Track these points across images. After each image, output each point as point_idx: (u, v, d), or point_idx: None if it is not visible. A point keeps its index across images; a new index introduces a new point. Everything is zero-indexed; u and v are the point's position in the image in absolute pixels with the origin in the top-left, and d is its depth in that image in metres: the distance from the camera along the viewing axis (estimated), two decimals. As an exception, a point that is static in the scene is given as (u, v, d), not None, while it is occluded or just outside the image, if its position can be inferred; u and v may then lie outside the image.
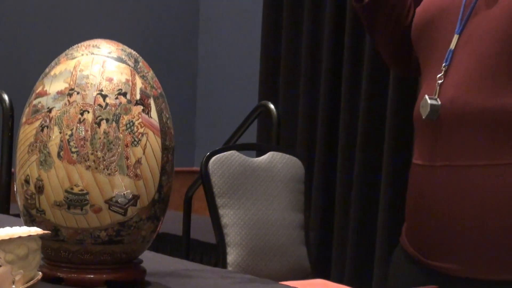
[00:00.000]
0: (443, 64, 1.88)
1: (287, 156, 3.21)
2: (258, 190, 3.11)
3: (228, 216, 3.09)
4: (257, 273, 2.79)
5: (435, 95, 1.87)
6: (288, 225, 3.13)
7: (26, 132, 1.85)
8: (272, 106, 4.52)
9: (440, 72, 1.88)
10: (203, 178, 3.12)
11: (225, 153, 3.18)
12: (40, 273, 1.60)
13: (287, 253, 3.15)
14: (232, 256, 3.00)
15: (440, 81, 1.88)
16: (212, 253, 4.21)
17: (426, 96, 1.87)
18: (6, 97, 4.02)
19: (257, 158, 3.26)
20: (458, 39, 1.88)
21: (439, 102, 1.85)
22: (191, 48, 6.15)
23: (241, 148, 3.31)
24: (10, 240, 1.52)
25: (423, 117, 1.88)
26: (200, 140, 5.95)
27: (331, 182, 5.08)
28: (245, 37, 5.81)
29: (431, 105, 1.86)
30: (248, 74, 5.52)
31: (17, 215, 2.66)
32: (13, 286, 1.53)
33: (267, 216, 3.05)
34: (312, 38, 5.16)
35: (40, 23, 5.47)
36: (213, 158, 3.15)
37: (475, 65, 1.84)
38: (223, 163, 3.15)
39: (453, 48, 1.88)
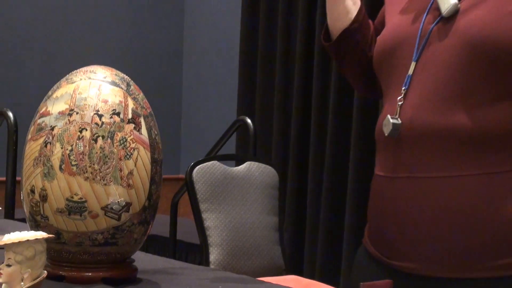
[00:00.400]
0: (403, 88, 1.86)
1: (263, 165, 3.21)
2: (237, 196, 3.09)
3: (210, 219, 3.09)
4: (236, 270, 2.80)
5: (396, 115, 1.85)
6: (264, 227, 3.12)
7: (32, 148, 1.86)
8: (249, 120, 4.52)
9: (400, 95, 1.87)
10: (188, 185, 3.12)
11: (207, 163, 3.18)
12: (45, 272, 1.61)
13: (263, 252, 3.13)
14: (214, 255, 2.98)
15: (400, 103, 1.86)
16: (196, 253, 4.15)
17: (388, 116, 1.86)
18: (11, 114, 4.02)
19: (236, 167, 3.26)
20: (415, 66, 1.86)
21: (400, 121, 1.85)
22: (176, 69, 6.13)
23: (222, 158, 3.31)
24: (20, 243, 1.53)
25: (386, 134, 1.88)
26: (185, 151, 5.94)
27: (302, 189, 5.07)
28: (225, 59, 5.77)
29: (393, 123, 1.85)
30: (228, 92, 5.49)
31: (22, 220, 2.67)
32: (22, 283, 1.54)
33: (245, 219, 3.04)
34: (284, 61, 5.12)
35: (42, 48, 5.41)
36: (197, 167, 3.15)
37: (430, 89, 1.84)
38: (206, 172, 3.15)
39: (411, 74, 1.86)
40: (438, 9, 1.86)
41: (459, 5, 1.82)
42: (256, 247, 2.94)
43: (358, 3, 2.10)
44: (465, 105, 1.78)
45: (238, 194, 3.11)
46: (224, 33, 5.89)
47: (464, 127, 1.77)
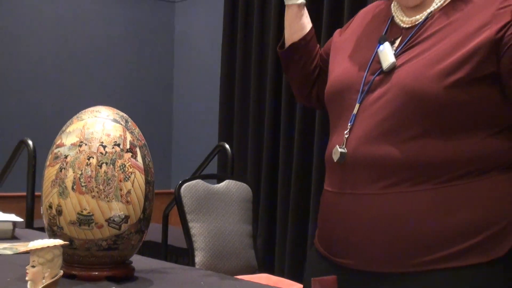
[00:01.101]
0: (349, 124, 1.87)
1: (239, 183, 3.19)
2: (218, 209, 3.07)
3: (195, 228, 3.07)
4: (217, 270, 2.77)
5: (343, 145, 1.86)
6: (240, 234, 3.12)
7: (50, 172, 1.90)
8: (227, 145, 4.49)
9: (347, 129, 1.86)
10: (177, 199, 3.11)
11: (193, 181, 3.17)
12: (61, 271, 1.63)
13: (240, 255, 3.12)
14: (199, 257, 2.96)
15: (346, 136, 1.86)
16: (184, 256, 4.15)
17: (337, 146, 1.87)
18: (30, 142, 3.99)
19: (217, 185, 3.24)
20: (359, 107, 1.86)
21: (346, 151, 1.85)
22: (168, 101, 6.12)
23: (205, 177, 3.30)
24: (42, 249, 1.58)
25: (335, 160, 1.88)
26: (175, 169, 5.86)
27: (272, 202, 5.01)
28: (208, 93, 5.72)
29: (341, 152, 1.85)
30: (211, 121, 5.48)
31: (40, 229, 2.68)
32: (43, 281, 1.58)
33: (225, 228, 3.03)
34: (257, 96, 5.07)
35: (56, 86, 5.38)
36: (184, 184, 3.14)
37: (370, 125, 1.83)
38: (191, 189, 3.14)
39: (355, 113, 1.86)
40: (379, 62, 1.85)
41: (396, 62, 1.81)
42: (234, 250, 2.92)
43: (311, 25, 2.13)
44: (398, 139, 1.78)
45: (218, 207, 3.10)
46: (207, 71, 5.85)
47: (397, 156, 1.77)
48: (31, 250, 1.59)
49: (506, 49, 1.72)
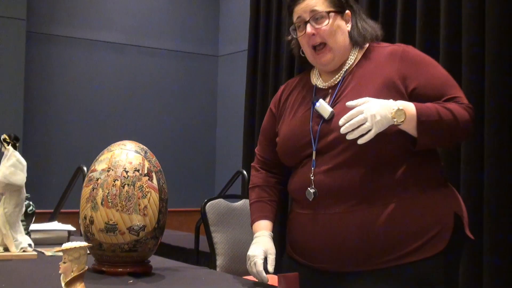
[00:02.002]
0: (312, 168, 1.85)
1: None
2: (235, 222, 3.06)
3: (217, 237, 3.05)
4: (234, 271, 2.73)
5: (312, 185, 1.84)
6: (247, 241, 3.06)
7: (85, 191, 1.94)
8: (245, 172, 4.36)
9: (311, 172, 1.85)
10: (202, 214, 3.09)
11: (215, 200, 3.15)
12: (86, 266, 1.61)
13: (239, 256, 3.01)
14: (219, 261, 2.94)
15: (312, 178, 1.84)
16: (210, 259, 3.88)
17: (308, 188, 1.85)
18: (85, 168, 3.96)
19: (235, 203, 3.20)
20: (316, 153, 1.86)
21: (316, 190, 1.83)
22: (211, 139, 5.94)
23: (225, 197, 3.27)
24: (71, 249, 1.60)
25: (310, 200, 1.85)
26: (205, 192, 5.56)
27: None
28: (235, 127, 5.37)
29: (313, 192, 1.84)
30: (233, 151, 5.30)
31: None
32: (72, 274, 1.59)
33: (241, 237, 3.00)
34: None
35: (104, 124, 5.35)
36: (209, 203, 3.11)
37: (329, 165, 1.83)
38: (214, 206, 3.12)
39: (314, 158, 1.85)
40: (319, 116, 1.86)
41: (334, 112, 1.83)
42: (243, 255, 2.88)
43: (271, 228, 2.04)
44: (354, 171, 1.80)
45: (236, 220, 3.07)
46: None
47: (356, 184, 1.80)
48: (63, 250, 1.61)
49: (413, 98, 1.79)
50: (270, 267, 1.87)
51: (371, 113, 1.70)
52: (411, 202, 1.81)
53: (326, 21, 1.87)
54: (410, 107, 1.74)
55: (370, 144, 1.75)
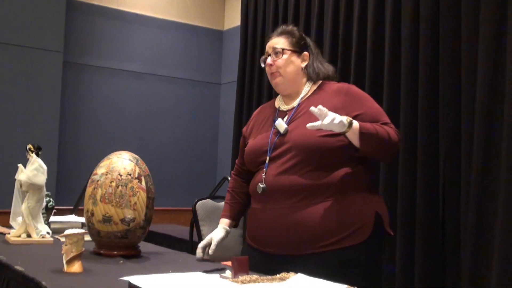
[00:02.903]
0: (264, 169, 1.95)
1: None
2: (219, 218, 3.10)
3: (204, 230, 3.07)
4: (218, 258, 2.64)
5: (263, 182, 1.94)
6: (234, 235, 3.05)
7: (88, 190, 2.01)
8: (229, 177, 4.22)
9: (263, 172, 1.94)
10: (193, 211, 3.13)
11: (204, 200, 3.21)
12: (83, 248, 1.69)
13: (232, 248, 3.07)
14: (206, 250, 2.99)
15: (264, 176, 1.93)
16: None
17: (259, 184, 1.95)
18: None
19: (220, 202, 3.21)
20: (269, 159, 1.95)
21: (265, 185, 1.93)
22: (213, 161, 5.86)
23: (213, 198, 3.31)
24: (71, 235, 1.69)
25: (259, 192, 1.95)
26: (193, 193, 5.31)
27: None
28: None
29: (262, 187, 1.93)
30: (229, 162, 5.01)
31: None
32: (72, 253, 1.67)
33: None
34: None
35: (112, 137, 5.31)
36: (199, 202, 3.17)
37: (278, 167, 1.91)
38: (203, 205, 3.17)
39: (267, 162, 1.95)
40: (277, 132, 1.97)
41: (288, 128, 1.95)
42: (229, 245, 2.81)
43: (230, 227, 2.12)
44: (297, 173, 1.88)
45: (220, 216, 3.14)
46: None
47: (298, 184, 1.88)
48: (65, 235, 1.71)
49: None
50: (210, 251, 1.98)
51: (331, 115, 1.78)
52: (342, 201, 1.87)
53: (281, 55, 2.02)
54: (355, 122, 1.83)
55: (313, 154, 1.85)
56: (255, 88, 4.00)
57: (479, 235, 2.44)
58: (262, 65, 2.09)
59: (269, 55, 2.06)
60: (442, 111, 2.71)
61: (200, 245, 2.02)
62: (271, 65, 2.03)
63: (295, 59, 2.04)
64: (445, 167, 2.69)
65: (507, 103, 2.37)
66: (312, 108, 1.80)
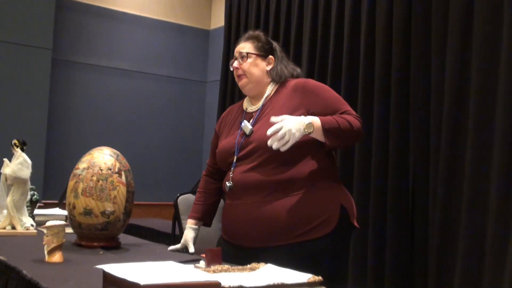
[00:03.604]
0: (232, 168, 2.00)
1: None
2: None
3: (185, 223, 3.05)
4: (197, 250, 2.62)
5: (230, 181, 1.99)
6: (214, 229, 2.76)
7: (70, 184, 2.03)
8: None
9: (231, 171, 2.00)
10: (175, 206, 3.17)
11: (185, 195, 3.23)
12: (64, 239, 1.71)
13: (212, 241, 2.79)
14: None
15: (231, 175, 1.99)
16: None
17: (226, 182, 2.00)
18: None
19: None
20: (237, 159, 2.00)
21: (232, 183, 1.99)
22: (198, 157, 5.88)
23: (193, 193, 3.19)
24: (52, 226, 1.72)
25: (227, 190, 2.00)
26: (178, 189, 5.32)
27: None
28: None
29: (229, 186, 1.99)
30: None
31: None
32: (53, 244, 1.70)
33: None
34: None
35: (106, 137, 5.28)
36: (180, 197, 3.21)
37: (245, 166, 1.96)
38: (184, 199, 3.19)
39: (234, 161, 2.00)
40: (244, 133, 2.01)
41: (253, 129, 2.00)
42: (208, 238, 2.81)
43: (199, 226, 2.17)
44: (263, 170, 1.93)
45: None
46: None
47: (264, 180, 1.92)
48: (46, 227, 1.73)
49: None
50: (191, 250, 2.04)
51: (288, 128, 1.82)
52: (308, 195, 1.91)
53: (246, 59, 2.09)
54: (316, 120, 1.88)
55: (277, 152, 1.87)
56: (237, 88, 4.05)
57: (445, 226, 2.53)
58: (231, 69, 2.15)
59: (236, 59, 2.12)
60: (413, 111, 2.78)
61: (171, 248, 2.06)
62: (237, 68, 2.10)
63: (259, 62, 2.10)
64: (415, 164, 2.76)
65: (472, 102, 2.45)
66: (273, 119, 1.86)
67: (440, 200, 2.55)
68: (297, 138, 1.83)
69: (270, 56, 2.13)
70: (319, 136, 1.89)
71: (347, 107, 2.01)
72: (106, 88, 5.37)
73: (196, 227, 2.16)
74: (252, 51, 2.10)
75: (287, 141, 1.83)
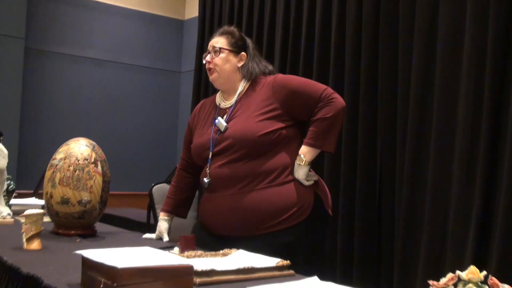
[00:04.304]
0: (208, 164, 2.03)
1: None
2: None
3: (159, 212, 3.22)
4: (171, 238, 2.72)
5: (208, 176, 2.02)
6: (189, 218, 2.87)
7: (48, 174, 2.08)
8: None
9: (208, 168, 2.02)
10: (150, 195, 3.22)
11: (160, 184, 3.28)
12: (42, 227, 1.76)
13: (186, 230, 2.84)
14: None
15: (208, 170, 2.01)
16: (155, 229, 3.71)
17: (204, 178, 2.03)
18: None
19: None
20: (212, 155, 2.02)
21: (210, 179, 2.01)
22: (172, 148, 5.89)
23: (168, 183, 3.28)
24: (31, 215, 1.77)
25: (205, 186, 2.03)
26: (153, 179, 5.43)
27: None
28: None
29: (207, 181, 2.01)
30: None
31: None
32: (31, 232, 1.74)
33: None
34: None
35: (79, 128, 5.23)
36: (155, 186, 3.26)
37: (220, 161, 1.99)
38: (159, 189, 3.25)
39: (210, 157, 2.03)
40: (218, 129, 2.04)
41: (227, 126, 2.03)
42: (182, 226, 2.72)
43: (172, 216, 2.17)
44: (238, 163, 1.97)
45: None
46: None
47: (240, 172, 1.96)
48: (24, 215, 1.78)
49: (292, 109, 2.01)
50: (165, 239, 2.06)
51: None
52: (283, 185, 1.97)
53: (218, 54, 2.12)
54: (307, 151, 2.00)
55: (251, 147, 1.95)
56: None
57: (410, 216, 2.64)
58: (203, 62, 2.18)
59: (209, 52, 2.14)
60: (380, 108, 2.88)
61: (147, 236, 2.09)
62: (209, 62, 2.13)
63: (232, 58, 2.12)
64: (382, 157, 2.87)
65: (436, 97, 2.56)
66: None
67: (405, 189, 2.66)
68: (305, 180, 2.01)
69: (243, 53, 2.15)
70: (316, 152, 2.01)
71: (319, 86, 2.04)
72: (80, 78, 5.37)
73: (169, 218, 2.19)
74: (225, 47, 2.13)
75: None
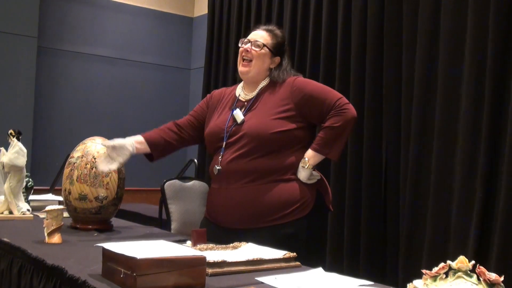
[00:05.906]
0: (221, 153, 2.06)
1: (200, 182, 3.14)
2: (186, 197, 3.08)
3: (172, 208, 3.05)
4: (183, 233, 2.70)
5: (219, 165, 2.06)
6: (199, 212, 2.93)
7: (66, 171, 2.15)
8: (196, 160, 4.39)
9: (220, 156, 2.06)
10: (162, 191, 3.11)
11: (171, 180, 3.16)
12: (62, 222, 1.82)
13: (197, 225, 2.77)
14: (173, 225, 2.94)
15: (220, 159, 2.05)
16: (167, 224, 3.76)
17: (216, 166, 2.06)
18: None
19: (187, 183, 3.19)
20: (225, 144, 2.07)
21: (220, 167, 2.05)
22: None
23: (180, 178, 3.24)
24: (52, 210, 1.84)
25: (215, 173, 2.06)
26: (164, 175, 5.25)
27: None
28: None
29: (218, 169, 2.05)
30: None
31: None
32: (52, 227, 1.82)
33: (190, 208, 3.02)
34: None
35: (91, 124, 5.30)
36: (167, 183, 3.15)
37: (233, 153, 2.03)
38: (171, 185, 3.13)
39: (223, 146, 2.07)
40: (234, 120, 2.08)
41: (244, 119, 2.08)
42: (195, 222, 2.83)
43: (144, 145, 2.13)
44: (248, 158, 2.02)
45: (187, 196, 3.10)
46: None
47: (248, 167, 2.02)
48: (46, 211, 1.86)
49: (305, 112, 2.07)
50: (108, 150, 2.04)
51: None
52: (287, 182, 2.05)
53: (260, 49, 2.15)
54: (310, 158, 2.06)
55: (263, 144, 2.01)
56: (221, 75, 4.18)
57: (414, 209, 2.71)
58: (239, 45, 2.17)
59: (249, 42, 2.15)
60: (385, 105, 2.94)
61: (110, 143, 2.04)
62: (248, 51, 2.14)
63: (268, 58, 2.16)
64: (387, 153, 2.94)
65: (439, 93, 2.63)
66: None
67: (410, 185, 2.72)
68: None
69: (278, 57, 2.18)
70: (320, 158, 2.08)
71: (334, 94, 2.08)
72: (91, 76, 5.44)
73: (133, 148, 2.08)
74: (269, 46, 2.15)
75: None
